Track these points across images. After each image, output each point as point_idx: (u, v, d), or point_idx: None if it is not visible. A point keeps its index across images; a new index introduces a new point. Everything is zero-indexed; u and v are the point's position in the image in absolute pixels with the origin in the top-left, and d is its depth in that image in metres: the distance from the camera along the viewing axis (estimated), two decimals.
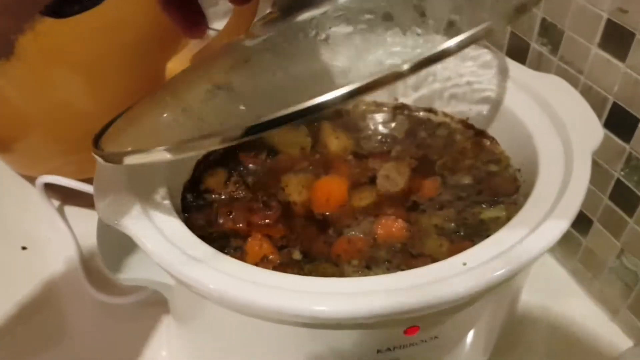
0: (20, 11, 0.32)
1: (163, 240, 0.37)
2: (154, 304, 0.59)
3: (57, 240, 0.64)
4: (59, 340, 0.57)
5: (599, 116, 0.50)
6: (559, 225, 0.38)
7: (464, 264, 0.36)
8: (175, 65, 0.57)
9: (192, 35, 0.42)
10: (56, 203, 0.67)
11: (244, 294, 0.35)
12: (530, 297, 0.58)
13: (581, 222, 0.56)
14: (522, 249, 0.37)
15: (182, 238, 0.38)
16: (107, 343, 0.57)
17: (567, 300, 0.59)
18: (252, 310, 0.36)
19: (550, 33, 0.53)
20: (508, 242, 0.37)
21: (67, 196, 0.66)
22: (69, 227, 0.64)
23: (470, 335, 0.44)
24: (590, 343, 0.55)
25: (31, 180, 0.66)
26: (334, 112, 0.55)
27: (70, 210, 0.67)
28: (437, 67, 0.53)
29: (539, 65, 0.55)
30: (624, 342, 0.55)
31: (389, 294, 0.34)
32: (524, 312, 0.57)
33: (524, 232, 0.38)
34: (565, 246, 0.60)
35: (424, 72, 0.53)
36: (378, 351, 0.40)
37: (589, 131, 0.44)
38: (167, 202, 0.42)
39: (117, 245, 0.42)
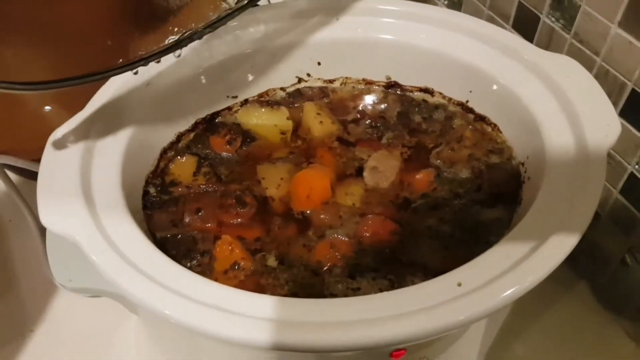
0: None
1: (111, 251, 0.33)
2: None
3: (18, 222, 0.60)
4: (20, 332, 0.53)
5: (615, 104, 0.45)
6: (568, 241, 0.33)
7: (459, 285, 0.32)
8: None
9: None
10: (18, 180, 0.62)
11: (195, 320, 0.30)
12: (530, 294, 0.54)
13: None
14: (526, 269, 0.32)
15: (134, 246, 0.34)
16: (72, 333, 0.53)
17: (569, 299, 0.55)
18: (212, 339, 0.31)
19: (564, 6, 0.47)
20: (510, 258, 0.33)
21: (29, 175, 0.61)
22: (30, 209, 0.59)
23: (462, 350, 0.40)
24: (592, 344, 0.52)
25: None
26: (319, 91, 0.50)
27: (33, 190, 0.62)
28: (431, 43, 0.47)
29: (549, 43, 0.49)
30: (627, 344, 0.52)
31: (373, 324, 0.30)
32: (522, 310, 0.54)
33: (528, 247, 0.33)
34: None
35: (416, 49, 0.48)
36: None
37: (605, 125, 0.39)
38: (122, 201, 0.36)
39: (68, 252, 0.37)
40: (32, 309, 0.55)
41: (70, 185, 0.36)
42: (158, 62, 0.38)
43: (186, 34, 0.38)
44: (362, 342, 0.30)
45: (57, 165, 0.37)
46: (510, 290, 0.31)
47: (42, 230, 0.57)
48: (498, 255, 0.33)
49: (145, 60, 0.37)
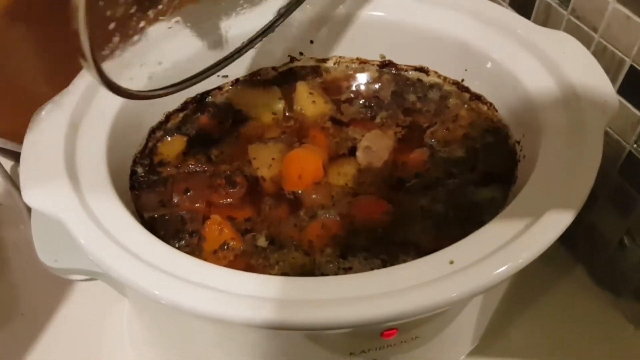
0: None
1: (96, 229, 0.32)
2: None
3: (9, 207, 0.59)
4: (11, 318, 0.52)
5: (613, 81, 0.43)
6: (564, 218, 0.33)
7: (451, 262, 0.31)
8: None
9: None
10: (8, 164, 0.61)
11: (184, 299, 0.30)
12: (524, 275, 0.53)
13: None
14: (520, 246, 0.31)
15: (119, 225, 0.33)
16: (64, 317, 0.52)
17: (564, 280, 0.54)
18: (208, 318, 0.30)
19: None
20: (503, 235, 0.32)
21: (19, 159, 0.60)
22: (19, 191, 0.58)
23: (455, 332, 0.39)
24: (589, 327, 0.51)
25: None
26: (312, 71, 0.49)
27: None
28: (426, 20, 0.46)
29: (547, 19, 0.48)
30: (625, 327, 0.51)
31: (364, 302, 0.29)
32: (516, 291, 0.53)
33: (522, 224, 0.33)
34: None
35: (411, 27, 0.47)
36: (351, 354, 0.35)
37: (602, 101, 0.38)
38: (107, 180, 0.35)
39: (54, 232, 0.36)
40: (23, 293, 0.54)
41: (54, 163, 0.35)
42: None
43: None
44: (353, 319, 0.29)
45: (40, 144, 0.36)
46: (503, 267, 0.30)
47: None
48: (491, 233, 0.33)
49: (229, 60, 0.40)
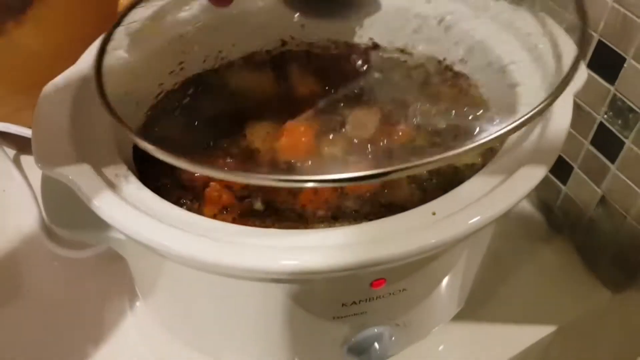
0: None
1: (110, 193, 0.34)
2: (117, 258, 0.56)
3: (12, 192, 0.61)
4: (16, 297, 0.55)
5: (584, 55, 0.47)
6: (536, 172, 0.35)
7: (434, 214, 0.34)
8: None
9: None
10: (11, 152, 0.63)
11: (200, 251, 0.32)
12: (506, 245, 0.56)
13: (561, 168, 0.54)
14: (496, 197, 0.34)
15: (131, 190, 0.35)
16: (67, 300, 0.55)
17: (544, 249, 0.57)
18: (212, 268, 0.33)
19: None
20: (481, 189, 0.35)
21: (22, 145, 0.63)
22: (25, 177, 0.60)
23: (441, 287, 0.42)
24: (568, 293, 0.54)
25: None
26: (304, 54, 0.52)
27: (27, 159, 0.64)
28: (412, 4, 0.49)
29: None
30: (602, 292, 0.54)
31: (352, 247, 0.32)
32: (500, 260, 0.56)
33: (499, 179, 0.36)
34: (544, 193, 0.58)
35: (395, 9, 0.50)
36: (343, 305, 0.38)
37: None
38: (114, 149, 0.38)
39: (62, 196, 0.38)
40: (27, 273, 0.56)
41: (64, 133, 0.37)
42: None
43: None
44: (342, 264, 0.32)
45: (50, 115, 0.38)
46: (481, 215, 0.33)
47: (37, 201, 0.59)
48: (470, 188, 0.35)
49: None
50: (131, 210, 0.33)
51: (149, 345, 0.51)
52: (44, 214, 0.56)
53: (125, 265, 0.55)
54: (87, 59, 0.42)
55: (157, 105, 0.46)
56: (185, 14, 0.47)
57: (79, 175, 0.34)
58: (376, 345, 0.43)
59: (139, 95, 0.45)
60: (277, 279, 0.35)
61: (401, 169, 0.32)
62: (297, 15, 0.49)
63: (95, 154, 0.37)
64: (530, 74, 0.42)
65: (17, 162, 0.63)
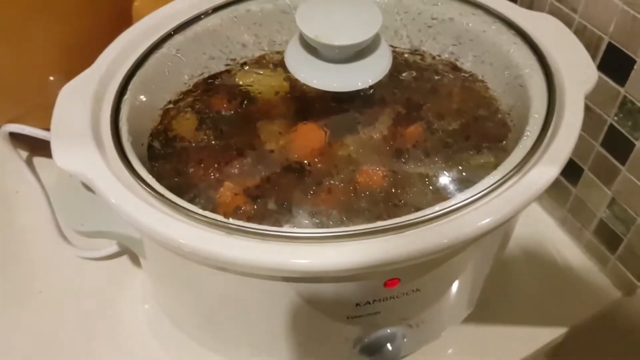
0: None
1: (127, 192, 0.35)
2: (130, 257, 0.57)
3: (25, 193, 0.62)
4: (30, 295, 0.55)
5: (593, 57, 0.47)
6: (548, 172, 0.36)
7: (446, 214, 0.35)
8: (143, 3, 0.53)
9: None
10: (24, 154, 0.64)
11: (215, 247, 0.33)
12: (518, 247, 0.56)
13: (571, 171, 0.54)
14: (508, 199, 0.35)
15: (147, 188, 0.36)
16: (81, 298, 0.55)
17: (555, 250, 0.57)
18: (227, 265, 0.34)
19: None
20: (493, 191, 0.35)
21: (34, 146, 0.63)
22: (38, 178, 0.61)
23: (453, 288, 0.42)
24: (578, 293, 0.54)
25: None
26: None
27: (39, 161, 0.64)
28: (423, 6, 0.50)
29: (532, 3, 0.52)
30: (613, 293, 0.54)
31: (365, 247, 0.32)
32: (510, 262, 0.56)
33: (512, 180, 0.36)
34: (555, 195, 0.58)
35: (406, 10, 0.50)
36: (357, 304, 0.38)
37: (583, 73, 0.41)
38: (130, 149, 0.39)
39: (77, 196, 0.39)
40: (40, 272, 0.57)
41: (82, 131, 0.38)
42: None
43: None
44: (356, 263, 0.32)
45: (68, 115, 0.39)
46: (494, 215, 0.34)
47: (50, 201, 0.59)
48: (483, 188, 0.36)
49: None
50: (149, 209, 0.34)
51: (163, 344, 0.51)
52: (56, 214, 0.57)
53: (137, 264, 0.56)
54: (102, 61, 0.43)
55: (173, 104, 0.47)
56: None
57: (98, 175, 0.35)
58: (389, 346, 0.44)
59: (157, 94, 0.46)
60: (292, 278, 0.36)
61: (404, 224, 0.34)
62: None
63: (113, 153, 0.37)
64: (540, 75, 0.43)
65: (29, 163, 0.64)
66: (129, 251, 0.57)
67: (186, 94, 0.48)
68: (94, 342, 0.52)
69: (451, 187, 0.41)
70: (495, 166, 0.41)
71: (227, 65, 0.50)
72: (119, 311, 0.54)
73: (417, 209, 0.40)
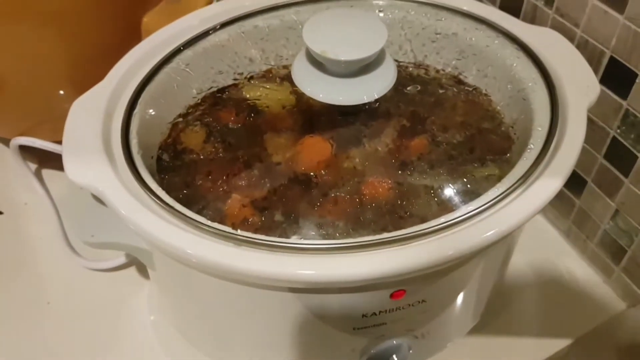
0: None
1: (137, 204, 0.35)
2: (137, 268, 0.57)
3: (34, 205, 0.62)
4: (38, 306, 0.56)
5: (595, 71, 0.48)
6: (552, 184, 0.36)
7: (449, 227, 0.35)
8: (152, 19, 0.54)
9: None
10: (33, 166, 0.65)
11: (224, 258, 0.33)
12: (522, 259, 0.57)
13: (575, 183, 0.54)
14: (513, 209, 0.35)
15: (157, 200, 0.36)
16: (88, 305, 0.56)
17: (559, 262, 0.58)
18: (235, 275, 0.34)
19: None
20: (497, 202, 0.36)
21: (43, 158, 0.64)
22: (47, 190, 0.62)
23: (459, 299, 0.43)
24: (583, 305, 0.54)
25: (5, 142, 0.63)
26: None
27: (48, 173, 0.65)
28: (427, 21, 0.51)
29: (534, 18, 0.53)
30: (617, 305, 0.54)
31: (374, 256, 0.33)
32: (515, 274, 0.56)
33: (516, 192, 0.36)
34: (559, 207, 0.58)
35: (410, 25, 0.51)
36: (363, 315, 0.39)
37: (585, 86, 0.42)
38: (140, 162, 0.39)
39: (86, 207, 0.40)
40: (49, 283, 0.58)
41: (92, 144, 0.39)
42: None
43: None
44: (361, 275, 0.33)
45: (80, 129, 0.40)
46: (499, 227, 0.34)
47: (58, 213, 0.60)
48: (488, 200, 0.36)
49: None
50: (159, 221, 0.34)
51: (170, 355, 0.52)
52: (65, 226, 0.57)
53: (144, 276, 0.57)
54: (113, 76, 0.44)
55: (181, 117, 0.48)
56: None
57: (109, 187, 0.35)
58: (394, 357, 0.44)
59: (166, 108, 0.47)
60: (299, 289, 0.36)
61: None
62: None
63: (124, 166, 0.38)
64: (543, 88, 0.43)
65: (38, 175, 0.64)
66: (136, 263, 0.57)
67: (195, 107, 0.49)
68: (101, 353, 0.52)
69: (456, 199, 0.42)
70: (499, 178, 0.42)
71: (235, 79, 0.51)
72: (126, 322, 0.54)
73: (423, 221, 0.41)
